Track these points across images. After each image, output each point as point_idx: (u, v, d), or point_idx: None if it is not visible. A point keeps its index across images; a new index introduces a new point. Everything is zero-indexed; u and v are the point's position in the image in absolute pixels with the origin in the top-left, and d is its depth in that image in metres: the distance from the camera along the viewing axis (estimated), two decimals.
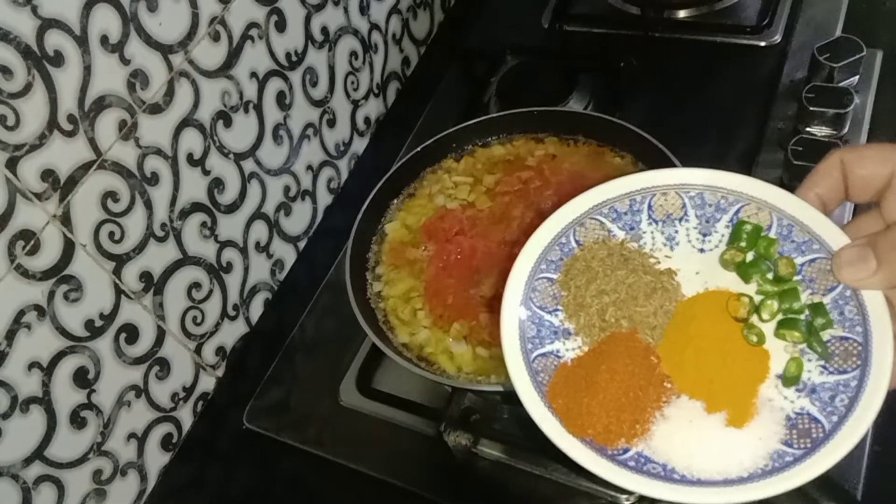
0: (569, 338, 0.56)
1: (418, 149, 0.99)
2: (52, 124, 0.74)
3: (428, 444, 0.87)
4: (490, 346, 0.83)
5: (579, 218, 0.58)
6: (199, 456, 0.96)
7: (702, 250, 0.57)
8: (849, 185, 0.52)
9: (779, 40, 1.09)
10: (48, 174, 0.75)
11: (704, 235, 0.57)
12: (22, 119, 0.72)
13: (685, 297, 0.56)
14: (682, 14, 1.18)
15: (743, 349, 0.53)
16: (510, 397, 0.81)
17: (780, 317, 0.54)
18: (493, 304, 0.84)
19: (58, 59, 0.74)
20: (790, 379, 0.52)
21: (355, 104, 1.16)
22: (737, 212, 0.56)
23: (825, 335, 0.52)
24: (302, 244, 1.11)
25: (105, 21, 0.78)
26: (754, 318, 0.54)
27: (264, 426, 0.96)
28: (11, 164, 0.72)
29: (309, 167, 1.09)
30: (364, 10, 1.13)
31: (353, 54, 1.13)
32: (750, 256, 0.56)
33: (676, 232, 0.58)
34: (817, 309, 0.52)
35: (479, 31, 1.30)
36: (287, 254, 1.08)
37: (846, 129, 0.94)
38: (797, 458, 0.49)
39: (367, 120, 1.19)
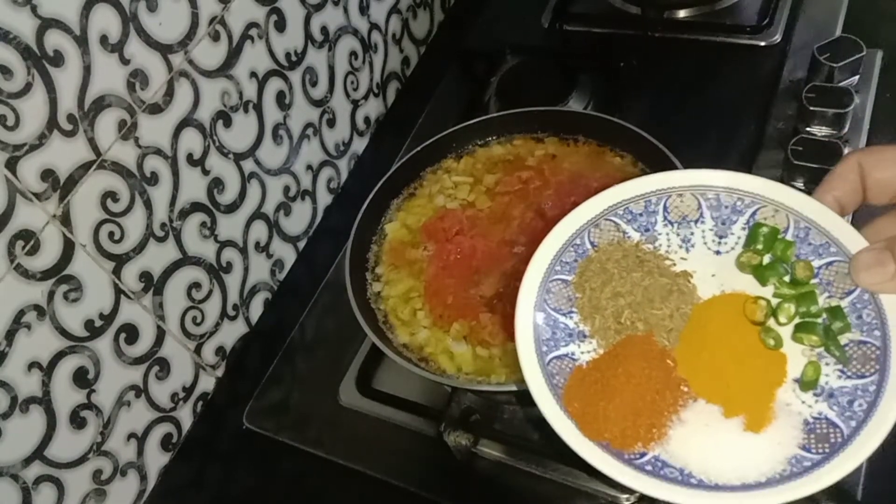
0: (584, 340, 0.56)
1: (418, 149, 0.98)
2: (52, 124, 0.74)
3: (428, 444, 0.86)
4: (490, 346, 0.82)
5: (594, 219, 0.58)
6: (198, 456, 0.96)
7: (718, 252, 0.57)
8: (867, 188, 0.52)
9: (779, 40, 1.09)
10: (48, 174, 0.74)
11: (720, 237, 0.57)
12: (22, 119, 0.71)
13: (701, 299, 0.56)
14: (682, 14, 1.18)
15: (760, 353, 0.53)
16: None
17: (797, 320, 0.54)
18: (494, 304, 0.83)
19: (57, 58, 0.73)
20: (808, 383, 0.52)
21: (355, 104, 1.15)
22: (753, 214, 0.56)
23: (843, 339, 0.52)
24: (302, 244, 1.10)
25: (105, 21, 0.77)
26: (771, 322, 0.54)
27: (264, 426, 0.96)
28: (11, 164, 0.71)
29: (309, 167, 1.08)
30: (364, 9, 1.13)
31: (353, 54, 1.12)
32: (767, 259, 0.55)
33: (692, 234, 0.58)
34: (835, 312, 0.52)
35: (479, 31, 1.30)
36: (287, 254, 1.08)
37: (846, 129, 0.94)
38: (816, 463, 0.49)
39: (366, 120, 1.19)
